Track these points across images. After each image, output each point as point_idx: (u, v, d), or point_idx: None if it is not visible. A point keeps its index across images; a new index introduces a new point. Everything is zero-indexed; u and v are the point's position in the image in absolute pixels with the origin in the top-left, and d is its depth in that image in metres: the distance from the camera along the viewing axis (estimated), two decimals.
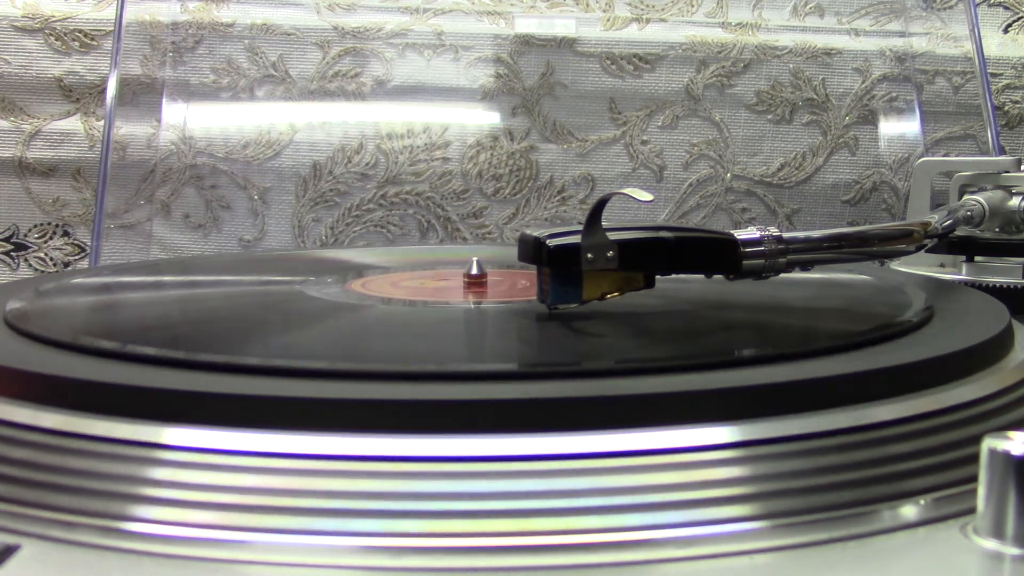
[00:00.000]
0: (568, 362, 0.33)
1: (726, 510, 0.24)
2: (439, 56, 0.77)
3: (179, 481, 0.24)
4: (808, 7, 0.81)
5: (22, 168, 0.74)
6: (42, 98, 0.74)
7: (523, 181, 0.78)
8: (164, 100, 0.74)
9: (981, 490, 0.23)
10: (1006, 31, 0.84)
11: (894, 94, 0.81)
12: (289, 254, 0.68)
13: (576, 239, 0.35)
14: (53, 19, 0.73)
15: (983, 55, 0.78)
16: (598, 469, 0.24)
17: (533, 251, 0.36)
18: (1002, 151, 0.77)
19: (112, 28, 0.72)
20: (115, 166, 0.72)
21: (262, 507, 0.23)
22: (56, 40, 0.73)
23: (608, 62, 0.78)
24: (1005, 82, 0.82)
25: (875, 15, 0.82)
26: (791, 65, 0.79)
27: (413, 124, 0.76)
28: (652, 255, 0.37)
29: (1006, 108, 0.83)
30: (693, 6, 0.80)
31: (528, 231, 0.37)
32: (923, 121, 0.80)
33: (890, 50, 0.81)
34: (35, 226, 0.75)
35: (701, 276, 0.39)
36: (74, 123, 0.74)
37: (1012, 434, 0.23)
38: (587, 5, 0.79)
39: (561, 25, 0.78)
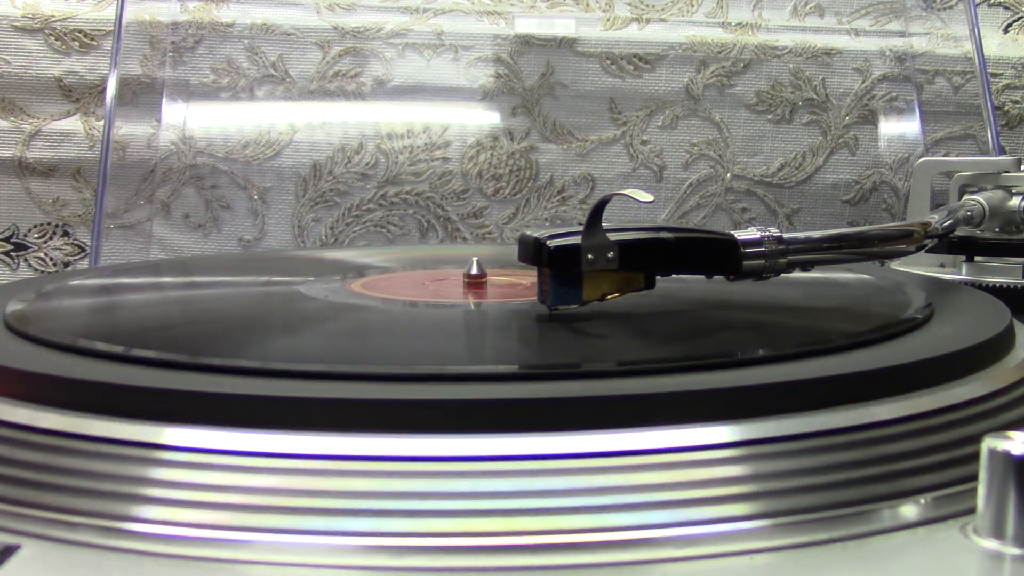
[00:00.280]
0: (568, 363, 0.33)
1: (726, 509, 0.24)
2: (439, 56, 0.77)
3: (179, 481, 0.24)
4: (808, 7, 0.81)
5: (22, 168, 0.74)
6: (42, 98, 0.74)
7: (523, 181, 0.78)
8: (164, 100, 0.74)
9: (981, 490, 0.23)
10: (1006, 31, 0.84)
11: (894, 94, 0.81)
12: (289, 254, 0.68)
13: (576, 240, 0.35)
14: (53, 19, 0.73)
15: (983, 55, 0.78)
16: (598, 469, 0.24)
17: (533, 252, 0.36)
18: (1002, 151, 0.77)
19: (112, 28, 0.72)
20: (115, 166, 0.72)
21: (262, 507, 0.23)
22: (56, 40, 0.73)
23: (608, 62, 0.78)
24: (1005, 82, 0.82)
25: (875, 15, 0.82)
26: (791, 65, 0.79)
27: (413, 124, 0.76)
28: (652, 256, 0.37)
29: (1006, 108, 0.83)
30: (693, 6, 0.80)
31: (528, 232, 0.37)
32: (923, 121, 0.80)
33: (890, 50, 0.81)
34: (35, 226, 0.75)
35: (701, 276, 0.39)
36: (74, 123, 0.74)
37: (1012, 434, 0.23)
38: (587, 5, 0.79)
39: (561, 25, 0.78)
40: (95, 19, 0.73)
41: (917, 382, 0.29)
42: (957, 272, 0.56)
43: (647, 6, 0.79)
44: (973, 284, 0.52)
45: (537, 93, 0.77)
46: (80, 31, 0.73)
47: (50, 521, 0.24)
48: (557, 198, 0.78)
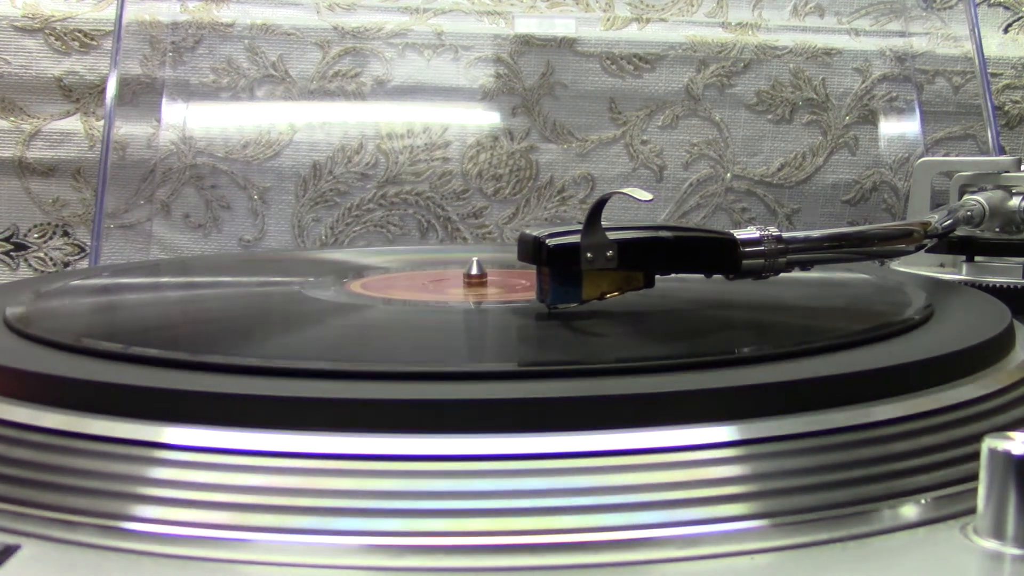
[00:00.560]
0: (568, 361, 0.33)
1: (726, 509, 0.24)
2: (439, 56, 0.77)
3: (179, 481, 0.24)
4: (808, 7, 0.81)
5: (22, 168, 0.74)
6: (42, 98, 0.74)
7: (523, 181, 0.78)
8: (164, 100, 0.74)
9: (981, 490, 0.23)
10: (1006, 31, 0.84)
11: (894, 94, 0.81)
12: (289, 254, 0.68)
13: (576, 239, 0.35)
14: (53, 19, 0.73)
15: (983, 55, 0.78)
16: (598, 468, 0.24)
17: (533, 251, 0.36)
18: (1002, 151, 0.77)
19: (112, 28, 0.72)
20: (115, 166, 0.72)
21: (262, 507, 0.23)
22: (56, 40, 0.73)
23: (608, 62, 0.78)
24: (1005, 82, 0.82)
25: (875, 15, 0.82)
26: (791, 65, 0.79)
27: (413, 124, 0.76)
28: (652, 255, 0.37)
29: (1006, 108, 0.83)
30: (693, 6, 0.80)
31: (528, 231, 0.37)
32: (923, 121, 0.80)
33: (890, 50, 0.81)
34: (35, 226, 0.75)
35: (701, 276, 0.39)
36: (74, 123, 0.74)
37: (1012, 434, 0.23)
38: (587, 5, 0.79)
39: (561, 25, 0.78)
40: (95, 19, 0.73)
41: (917, 382, 0.29)
42: (957, 272, 0.56)
43: (647, 6, 0.79)
44: (973, 284, 0.52)
45: (537, 93, 0.77)
46: (80, 31, 0.73)
47: (50, 521, 0.24)
48: (557, 198, 0.78)
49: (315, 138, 0.75)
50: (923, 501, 0.25)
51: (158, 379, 0.28)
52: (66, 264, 0.76)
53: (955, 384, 0.30)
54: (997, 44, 0.83)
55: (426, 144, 0.76)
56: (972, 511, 0.24)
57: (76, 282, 0.50)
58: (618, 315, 0.38)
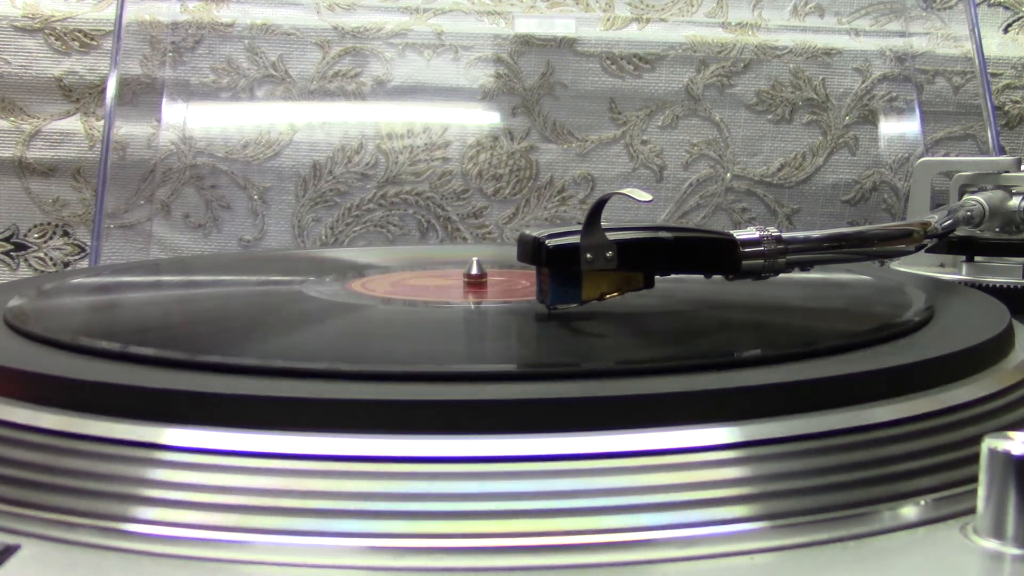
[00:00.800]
0: (568, 362, 0.33)
1: (726, 510, 0.24)
2: (439, 56, 0.77)
3: (179, 481, 0.24)
4: (808, 7, 0.81)
5: (22, 168, 0.74)
6: (42, 98, 0.74)
7: (523, 181, 0.78)
8: (164, 100, 0.74)
9: (981, 490, 0.23)
10: (1006, 31, 0.84)
11: (894, 94, 0.81)
12: (289, 254, 0.68)
13: (575, 239, 0.35)
14: (53, 19, 0.73)
15: (983, 55, 0.78)
16: (598, 469, 0.24)
17: (532, 251, 0.36)
18: (1002, 151, 0.77)
19: (112, 28, 0.72)
20: (115, 166, 0.72)
21: (262, 507, 0.23)
22: (56, 40, 0.73)
23: (608, 62, 0.78)
24: (1005, 82, 0.82)
25: (875, 15, 0.82)
26: (791, 65, 0.79)
27: (413, 124, 0.76)
28: (651, 255, 0.37)
29: (1006, 108, 0.83)
30: (693, 6, 0.80)
31: (527, 231, 0.37)
32: (923, 121, 0.80)
33: (890, 50, 0.81)
34: (35, 226, 0.75)
35: (700, 276, 0.39)
36: (74, 123, 0.74)
37: (1012, 434, 0.23)
38: (587, 5, 0.79)
39: (561, 25, 0.78)
40: (95, 19, 0.73)
41: (917, 383, 0.29)
42: (957, 272, 0.56)
43: (647, 6, 0.79)
44: (973, 284, 0.52)
45: (537, 93, 0.77)
46: (80, 31, 0.73)
47: (50, 521, 0.24)
48: (557, 198, 0.78)
49: (315, 138, 0.75)
50: (923, 501, 0.25)
51: (158, 380, 0.28)
52: (66, 264, 0.76)
53: (955, 385, 0.30)
54: (997, 44, 0.83)
55: (426, 144, 0.76)
56: (972, 511, 0.24)
57: (76, 282, 0.50)
58: (618, 316, 0.38)
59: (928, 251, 0.52)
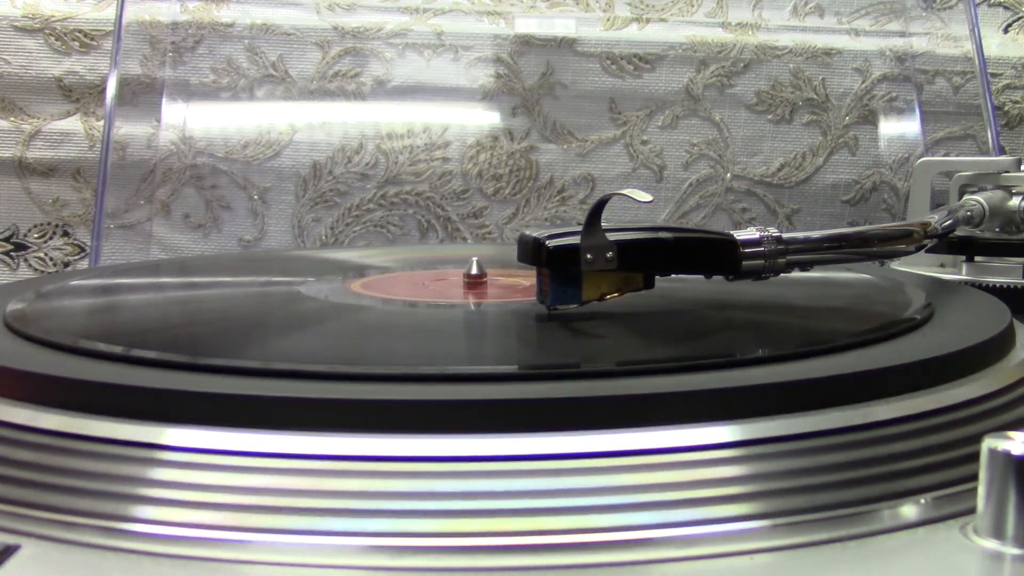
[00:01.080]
0: (568, 362, 0.33)
1: (726, 509, 0.24)
2: (439, 56, 0.77)
3: (179, 481, 0.24)
4: (808, 7, 0.81)
5: (22, 168, 0.74)
6: (42, 98, 0.74)
7: (523, 181, 0.78)
8: (164, 100, 0.74)
9: (981, 490, 0.23)
10: (1006, 31, 0.84)
11: (894, 94, 0.81)
12: (289, 254, 0.68)
13: (575, 240, 0.35)
14: (53, 19, 0.73)
15: (983, 55, 0.78)
16: (598, 469, 0.24)
17: (532, 252, 0.36)
18: (1002, 151, 0.77)
19: (112, 28, 0.72)
20: (115, 166, 0.72)
21: (262, 507, 0.23)
22: (56, 40, 0.73)
23: (608, 62, 0.78)
24: (1005, 82, 0.82)
25: (875, 15, 0.82)
26: (791, 65, 0.79)
27: (413, 124, 0.76)
28: (651, 256, 0.37)
29: (1006, 108, 0.83)
30: (693, 6, 0.80)
31: (527, 232, 0.37)
32: (923, 121, 0.80)
33: (890, 50, 0.81)
34: (35, 226, 0.75)
35: (700, 276, 0.39)
36: (74, 123, 0.74)
37: (1012, 434, 0.23)
38: (587, 5, 0.79)
39: (561, 25, 0.78)
40: (95, 19, 0.73)
41: (917, 382, 0.29)
42: (957, 272, 0.56)
43: (647, 6, 0.79)
44: (973, 284, 0.52)
45: (537, 93, 0.77)
46: (80, 31, 0.73)
47: (50, 521, 0.24)
48: (557, 198, 0.78)
49: (315, 138, 0.75)
50: (923, 501, 0.25)
51: (158, 380, 0.28)
52: (66, 264, 0.76)
53: (955, 384, 0.30)
54: (997, 44, 0.83)
55: (426, 144, 0.76)
56: (972, 511, 0.24)
57: (76, 282, 0.50)
58: (618, 316, 0.38)
59: (928, 251, 0.52)
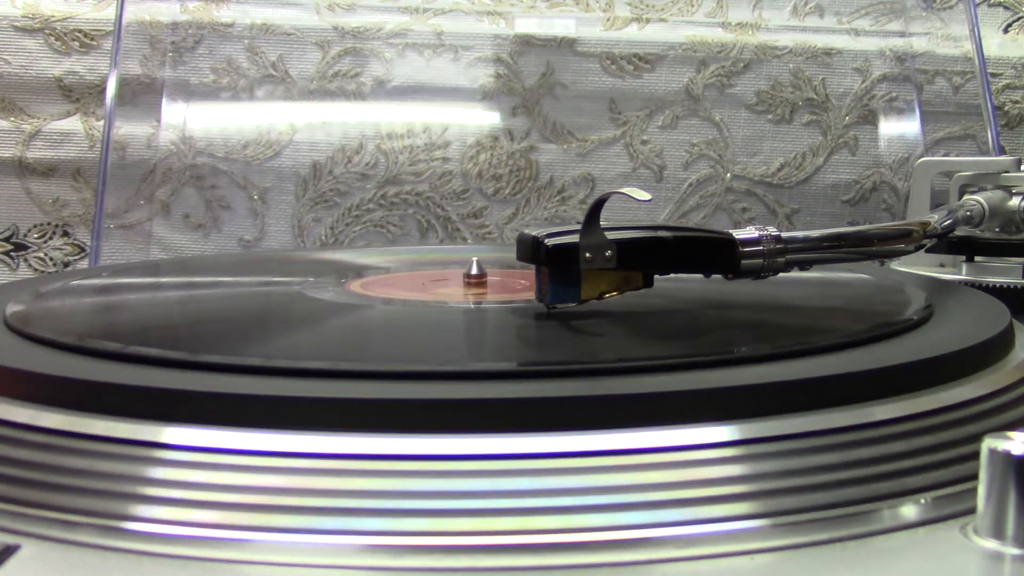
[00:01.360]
0: (567, 361, 0.33)
1: (726, 509, 0.24)
2: (439, 56, 0.77)
3: (179, 481, 0.24)
4: (808, 7, 0.81)
5: (22, 168, 0.74)
6: (42, 98, 0.74)
7: (523, 181, 0.78)
8: (164, 100, 0.74)
9: (981, 490, 0.23)
10: (1006, 31, 0.84)
11: (894, 94, 0.81)
12: (289, 254, 0.68)
13: (574, 239, 0.35)
14: (53, 19, 0.73)
15: (983, 55, 0.78)
16: (598, 468, 0.24)
17: (531, 250, 0.36)
18: (1002, 151, 0.77)
19: (112, 28, 0.72)
20: (115, 166, 0.72)
21: (262, 507, 0.23)
22: (56, 40, 0.73)
23: (608, 62, 0.78)
24: (1005, 82, 0.82)
25: (875, 15, 0.82)
26: (791, 65, 0.79)
27: (413, 124, 0.76)
28: (650, 255, 0.37)
29: (1006, 108, 0.83)
30: (693, 6, 0.80)
31: (527, 231, 0.37)
32: (923, 121, 0.80)
33: (890, 50, 0.81)
34: (35, 226, 0.75)
35: (700, 276, 0.39)
36: (74, 123, 0.74)
37: (1012, 434, 0.23)
38: (587, 5, 0.79)
39: (561, 25, 0.78)
40: (95, 19, 0.73)
41: (917, 382, 0.29)
42: (957, 272, 0.56)
43: (647, 6, 0.79)
44: (973, 284, 0.52)
45: (537, 93, 0.77)
46: (80, 31, 0.73)
47: (50, 521, 0.24)
48: (557, 198, 0.78)
49: (315, 138, 0.75)
50: (923, 501, 0.25)
51: (158, 379, 0.28)
52: (66, 264, 0.76)
53: (955, 384, 0.30)
54: (997, 44, 0.83)
55: (426, 144, 0.76)
56: (972, 511, 0.24)
57: (76, 282, 0.50)
58: (617, 315, 0.38)
59: (928, 251, 0.52)
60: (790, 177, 0.80)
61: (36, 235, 0.75)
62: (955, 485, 0.26)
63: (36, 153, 0.74)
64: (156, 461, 0.25)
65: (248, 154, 0.75)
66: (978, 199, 0.54)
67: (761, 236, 0.38)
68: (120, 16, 0.72)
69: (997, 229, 0.55)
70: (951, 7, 0.82)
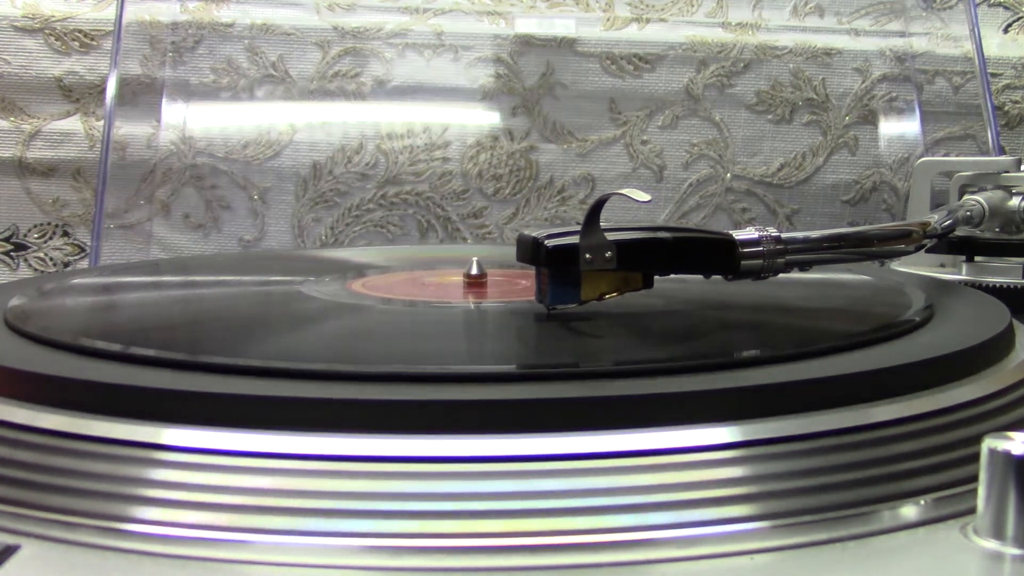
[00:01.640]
0: (567, 363, 0.33)
1: (726, 510, 0.24)
2: (439, 56, 0.77)
3: (178, 481, 0.24)
4: (808, 7, 0.81)
5: (22, 168, 0.74)
6: (42, 98, 0.74)
7: (523, 181, 0.78)
8: (164, 100, 0.74)
9: (981, 490, 0.23)
10: (1006, 31, 0.84)
11: (894, 94, 0.81)
12: (289, 254, 0.68)
13: (574, 239, 0.35)
14: (53, 19, 0.73)
15: (983, 55, 0.78)
16: (598, 469, 0.24)
17: (531, 251, 0.36)
18: (1002, 151, 0.77)
19: (112, 28, 0.72)
20: (115, 166, 0.72)
21: (262, 507, 0.23)
22: (56, 40, 0.73)
23: (608, 62, 0.78)
24: (1005, 82, 0.82)
25: (875, 15, 0.82)
26: (791, 65, 0.79)
27: (413, 124, 0.76)
28: (650, 255, 0.37)
29: (1006, 108, 0.83)
30: (693, 6, 0.80)
31: (527, 231, 0.37)
32: (923, 121, 0.80)
33: (890, 50, 0.81)
34: (35, 226, 0.75)
35: (699, 276, 0.39)
36: (74, 123, 0.74)
37: (1012, 434, 0.23)
38: (587, 5, 0.79)
39: (561, 25, 0.78)
40: (95, 19, 0.73)
41: (917, 383, 0.29)
42: (957, 272, 0.56)
43: (647, 6, 0.79)
44: (973, 284, 0.52)
45: (537, 93, 0.77)
46: (80, 31, 0.73)
47: (50, 521, 0.24)
48: (557, 198, 0.78)
49: (315, 138, 0.75)
50: (923, 501, 0.25)
51: (158, 380, 0.28)
52: (66, 264, 0.76)
53: (955, 384, 0.30)
54: (997, 44, 0.83)
55: (426, 144, 0.76)
56: (972, 511, 0.24)
57: (76, 282, 0.50)
58: (617, 316, 0.38)
59: (928, 251, 0.52)
60: (790, 177, 0.80)
61: (36, 235, 0.75)
62: (955, 486, 0.26)
63: (36, 153, 0.74)
64: (156, 462, 0.25)
65: (248, 154, 0.75)
66: (978, 199, 0.54)
67: (761, 237, 0.38)
68: (120, 16, 0.72)
69: (997, 229, 0.55)
70: (951, 7, 0.82)
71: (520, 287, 0.45)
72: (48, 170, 0.74)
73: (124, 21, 0.72)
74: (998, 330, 0.35)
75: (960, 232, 0.54)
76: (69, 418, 0.27)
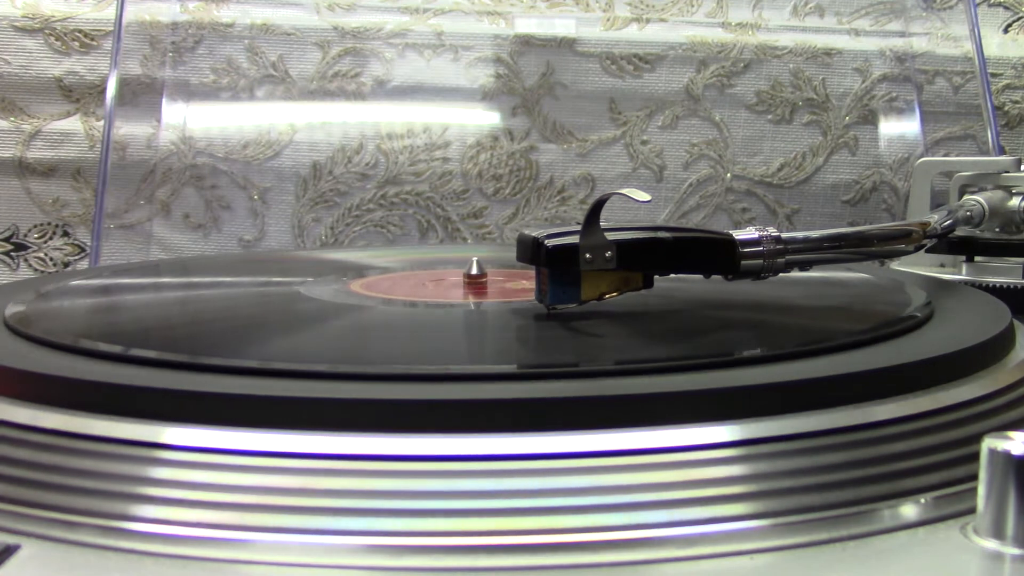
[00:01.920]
0: (567, 362, 0.33)
1: (726, 509, 0.24)
2: (439, 56, 0.77)
3: (179, 481, 0.24)
4: (808, 7, 0.81)
5: (22, 168, 0.74)
6: (42, 98, 0.74)
7: (523, 181, 0.78)
8: (164, 100, 0.74)
9: (981, 490, 0.23)
10: (1006, 31, 0.84)
11: (894, 94, 0.81)
12: (289, 254, 0.68)
13: (574, 239, 0.35)
14: (53, 19, 0.73)
15: (983, 55, 0.78)
16: (598, 468, 0.24)
17: (531, 251, 0.36)
18: (1002, 151, 0.77)
19: (112, 28, 0.72)
20: (115, 166, 0.72)
21: (262, 507, 0.23)
22: (56, 40, 0.73)
23: (608, 62, 0.78)
24: (1005, 82, 0.82)
25: (875, 15, 0.82)
26: (791, 65, 0.79)
27: (413, 124, 0.76)
28: (650, 255, 0.37)
29: (1006, 108, 0.83)
30: (693, 6, 0.80)
31: (527, 231, 0.37)
32: (923, 121, 0.80)
33: (890, 50, 0.81)
34: (35, 226, 0.75)
35: (699, 276, 0.39)
36: (74, 123, 0.74)
37: (1012, 434, 0.23)
38: (587, 5, 0.79)
39: (561, 25, 0.78)
40: (95, 19, 0.73)
41: (917, 382, 0.29)
42: (957, 272, 0.56)
43: (647, 6, 0.79)
44: (973, 284, 0.52)
45: (537, 93, 0.77)
46: (80, 31, 0.73)
47: (50, 521, 0.24)
48: (557, 198, 0.78)
49: (315, 138, 0.75)
50: (923, 501, 0.25)
51: (158, 379, 0.28)
52: (66, 264, 0.76)
53: (955, 384, 0.30)
54: (997, 44, 0.83)
55: (426, 144, 0.76)
56: (972, 511, 0.24)
57: (76, 282, 0.50)
58: (617, 316, 0.38)
59: (928, 251, 0.52)
60: (790, 177, 0.80)
61: (36, 235, 0.75)
62: (955, 485, 0.26)
63: (36, 153, 0.74)
64: (156, 461, 0.25)
65: (248, 154, 0.75)
66: (978, 199, 0.54)
67: (761, 236, 0.38)
68: (120, 16, 0.72)
69: (997, 229, 0.55)
70: (951, 7, 0.82)
71: (520, 287, 0.45)
72: (48, 170, 0.74)
73: (124, 21, 0.72)
74: (998, 330, 0.35)
75: (960, 232, 0.54)
76: (69, 417, 0.27)
